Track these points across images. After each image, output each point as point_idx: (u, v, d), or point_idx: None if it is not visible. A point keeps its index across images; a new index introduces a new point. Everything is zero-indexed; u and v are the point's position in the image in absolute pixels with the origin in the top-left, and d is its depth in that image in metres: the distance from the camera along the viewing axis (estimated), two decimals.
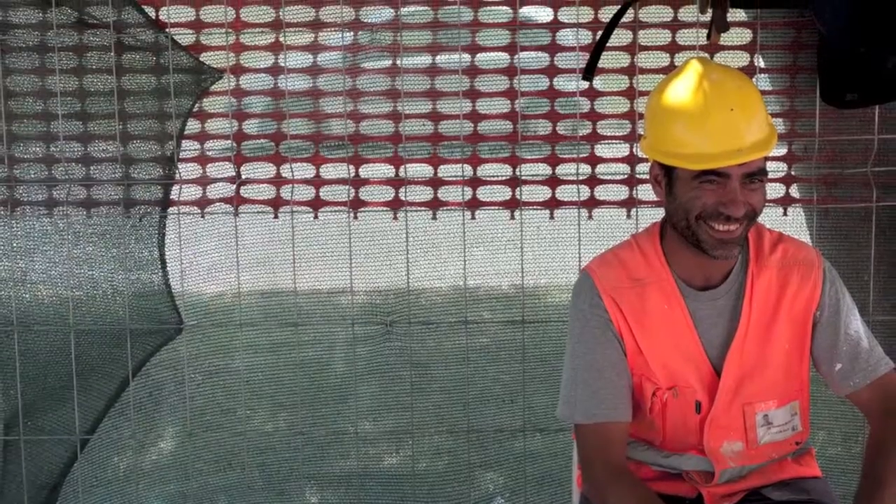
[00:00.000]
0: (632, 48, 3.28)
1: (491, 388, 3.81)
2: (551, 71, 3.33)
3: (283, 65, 3.33)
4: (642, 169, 3.32)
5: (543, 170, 3.38)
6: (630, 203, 3.36)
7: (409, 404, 3.59)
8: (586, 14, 3.27)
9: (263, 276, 3.67)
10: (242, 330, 3.55)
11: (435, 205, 3.41)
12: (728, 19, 2.85)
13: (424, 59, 3.36)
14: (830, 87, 3.06)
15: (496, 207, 3.40)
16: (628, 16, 3.12)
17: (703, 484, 2.37)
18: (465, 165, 3.38)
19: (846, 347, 2.33)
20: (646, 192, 3.31)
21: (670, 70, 3.00)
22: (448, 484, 3.72)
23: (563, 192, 3.38)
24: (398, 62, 3.34)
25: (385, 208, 3.41)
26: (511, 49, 3.32)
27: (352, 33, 3.37)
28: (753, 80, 3.12)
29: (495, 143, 3.38)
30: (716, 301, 2.31)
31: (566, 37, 3.32)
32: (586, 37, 3.29)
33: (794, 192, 3.38)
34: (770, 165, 2.43)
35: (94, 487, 3.67)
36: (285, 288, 3.51)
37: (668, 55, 3.29)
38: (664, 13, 3.27)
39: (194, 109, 3.43)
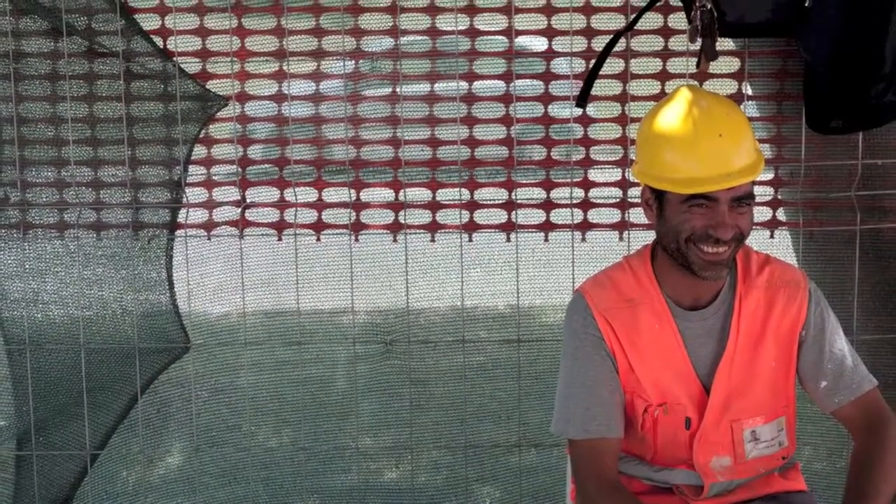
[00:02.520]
0: (624, 76, 3.30)
1: (488, 404, 3.82)
2: (546, 98, 3.35)
3: (286, 92, 3.35)
4: (634, 193, 3.34)
5: (538, 194, 3.39)
6: (622, 226, 3.37)
7: (408, 420, 3.59)
8: (580, 43, 3.29)
9: (267, 296, 3.66)
10: (247, 348, 3.56)
11: (433, 227, 3.41)
12: (717, 48, 2.83)
13: (423, 87, 3.38)
14: (816, 114, 3.06)
15: (492, 230, 3.40)
16: (620, 45, 3.13)
17: (693, 497, 2.39)
18: (462, 189, 3.39)
19: (831, 366, 2.36)
20: (637, 215, 3.32)
21: (661, 97, 2.96)
22: (446, 498, 3.72)
23: (558, 216, 3.39)
24: (398, 90, 3.36)
25: (385, 231, 3.41)
26: (507, 77, 3.34)
27: (353, 62, 3.39)
28: (741, 106, 3.16)
29: (492, 167, 3.40)
30: (705, 321, 2.35)
31: (560, 65, 3.35)
32: (580, 65, 3.32)
33: (781, 215, 3.39)
34: (757, 190, 2.44)
35: (104, 501, 3.68)
36: (289, 308, 3.51)
37: (658, 83, 3.32)
38: (655, 42, 3.30)
39: (201, 135, 3.44)
